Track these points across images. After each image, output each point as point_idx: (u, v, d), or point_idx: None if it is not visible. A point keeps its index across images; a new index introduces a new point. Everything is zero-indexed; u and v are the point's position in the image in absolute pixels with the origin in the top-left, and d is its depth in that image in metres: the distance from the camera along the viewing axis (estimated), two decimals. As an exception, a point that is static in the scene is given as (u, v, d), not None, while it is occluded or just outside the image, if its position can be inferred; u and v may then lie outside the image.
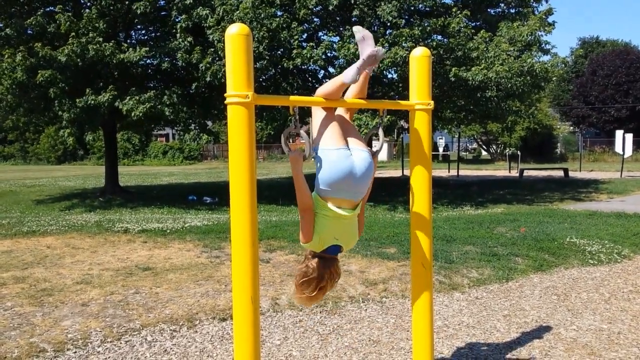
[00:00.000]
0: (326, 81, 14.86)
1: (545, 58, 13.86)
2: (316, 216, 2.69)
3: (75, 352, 3.95)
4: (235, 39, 2.35)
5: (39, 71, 11.48)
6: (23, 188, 18.89)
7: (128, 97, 11.82)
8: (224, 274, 5.92)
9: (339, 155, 2.65)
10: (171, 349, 4.05)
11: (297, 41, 12.03)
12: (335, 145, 2.67)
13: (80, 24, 11.69)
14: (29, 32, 12.66)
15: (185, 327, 4.46)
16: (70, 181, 22.44)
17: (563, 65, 13.67)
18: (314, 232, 2.69)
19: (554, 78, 13.64)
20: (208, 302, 5.00)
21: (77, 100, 11.84)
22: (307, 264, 2.77)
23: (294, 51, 11.87)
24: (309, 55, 11.82)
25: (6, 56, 11.71)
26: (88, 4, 13.18)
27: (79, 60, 11.50)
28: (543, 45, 13.67)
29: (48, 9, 13.23)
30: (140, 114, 11.70)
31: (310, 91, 14.46)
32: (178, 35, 11.99)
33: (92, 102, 11.73)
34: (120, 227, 9.16)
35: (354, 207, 2.75)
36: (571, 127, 43.98)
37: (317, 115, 2.81)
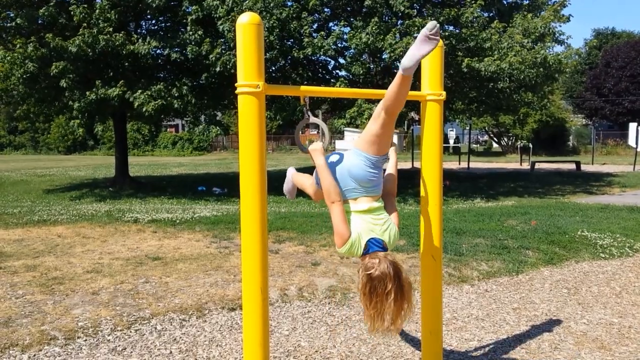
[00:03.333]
0: (336, 73, 14.70)
1: (559, 49, 13.71)
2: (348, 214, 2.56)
3: (86, 340, 3.98)
4: (247, 29, 2.33)
5: (53, 63, 11.52)
6: (34, 177, 19.05)
7: (139, 91, 11.83)
8: (233, 264, 5.94)
9: (332, 160, 2.68)
10: (180, 338, 4.07)
11: (307, 31, 11.98)
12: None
13: (93, 15, 11.70)
14: (40, 22, 12.69)
15: (195, 317, 4.48)
16: (81, 171, 22.60)
17: (577, 56, 13.50)
18: (352, 228, 2.48)
19: (567, 70, 13.48)
20: (217, 292, 5.02)
21: (87, 92, 11.89)
22: (369, 264, 2.39)
23: (305, 40, 11.82)
24: (319, 45, 11.76)
25: (17, 46, 11.75)
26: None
27: (89, 50, 11.53)
28: (557, 35, 13.50)
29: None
30: (152, 110, 11.72)
31: (320, 82, 14.41)
32: (189, 27, 11.97)
33: (102, 95, 11.77)
34: (130, 217, 9.22)
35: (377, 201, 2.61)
36: (584, 120, 43.54)
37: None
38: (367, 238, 2.48)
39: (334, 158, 2.71)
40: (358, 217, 2.55)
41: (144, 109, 11.77)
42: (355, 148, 2.65)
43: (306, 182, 3.06)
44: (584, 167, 22.54)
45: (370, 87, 12.78)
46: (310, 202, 11.49)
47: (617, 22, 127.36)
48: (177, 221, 8.74)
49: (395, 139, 2.89)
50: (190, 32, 11.86)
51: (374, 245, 2.47)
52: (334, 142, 39.14)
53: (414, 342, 4.00)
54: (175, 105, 12.13)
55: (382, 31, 11.79)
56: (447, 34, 12.19)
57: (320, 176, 2.56)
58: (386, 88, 2.59)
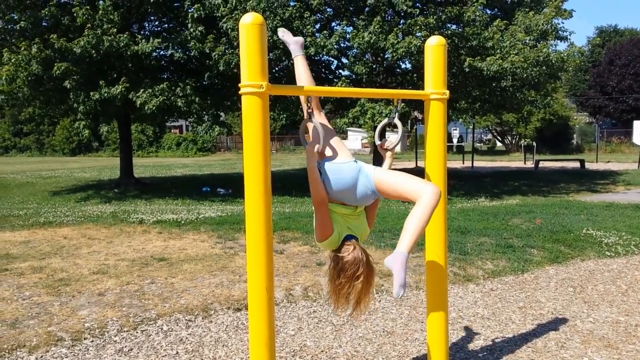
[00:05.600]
0: (339, 73, 14.63)
1: (562, 46, 13.70)
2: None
3: (92, 341, 3.99)
4: (250, 29, 2.33)
5: (55, 64, 11.57)
6: (39, 179, 19.12)
7: (142, 90, 11.88)
8: (238, 265, 5.95)
9: (349, 167, 2.67)
10: (187, 338, 4.08)
11: (310, 30, 11.98)
12: (346, 158, 2.72)
13: (96, 16, 11.75)
14: (44, 24, 12.75)
15: (201, 317, 4.49)
16: (86, 173, 22.67)
17: (580, 54, 13.48)
18: (334, 225, 2.65)
19: (570, 68, 13.46)
20: (223, 293, 5.03)
21: (92, 93, 11.93)
22: (343, 248, 2.59)
23: (308, 39, 11.83)
24: (322, 45, 11.77)
25: (22, 48, 11.80)
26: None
27: (93, 52, 11.57)
28: (560, 32, 13.47)
29: (63, 0, 13.30)
30: (154, 107, 11.75)
31: (323, 82, 14.41)
32: (190, 25, 12.00)
33: (106, 94, 11.81)
34: (136, 218, 9.24)
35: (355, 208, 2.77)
36: (588, 118, 43.40)
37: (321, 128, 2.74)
38: (344, 234, 2.67)
39: (348, 169, 2.66)
40: (339, 216, 2.70)
41: (146, 107, 11.80)
42: (370, 177, 2.64)
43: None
44: (588, 165, 22.47)
45: (374, 86, 12.78)
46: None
47: (620, 20, 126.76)
48: (182, 222, 8.76)
49: (397, 138, 2.95)
50: (192, 30, 11.88)
51: (346, 238, 2.68)
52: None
53: (420, 342, 4.00)
54: (179, 104, 12.15)
55: (385, 30, 11.78)
56: (449, 32, 12.17)
57: (310, 177, 2.62)
58: (389, 87, 2.62)
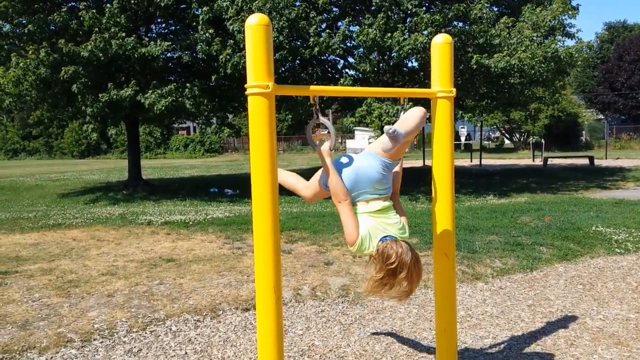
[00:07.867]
0: (346, 72, 14.64)
1: (570, 43, 13.62)
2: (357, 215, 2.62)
3: (102, 342, 4.02)
4: (255, 30, 2.34)
5: (62, 68, 11.63)
6: (48, 182, 19.25)
7: (150, 91, 11.92)
8: (246, 265, 5.96)
9: (341, 161, 2.77)
10: (195, 338, 4.10)
11: (314, 30, 11.99)
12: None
13: (103, 20, 11.80)
14: (52, 28, 12.82)
15: (209, 317, 4.50)
16: (94, 175, 22.80)
17: (588, 49, 13.38)
18: (361, 227, 2.56)
19: (579, 62, 13.37)
20: (231, 293, 5.04)
21: (100, 95, 11.99)
22: (389, 245, 2.51)
23: (311, 39, 11.83)
24: (326, 44, 11.76)
25: (30, 52, 11.86)
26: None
27: (101, 55, 11.62)
28: (567, 28, 13.38)
29: (70, 5, 13.38)
30: (163, 108, 11.78)
31: (330, 81, 14.41)
32: (200, 27, 12.02)
33: (115, 97, 11.86)
34: (144, 219, 9.28)
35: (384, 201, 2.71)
36: (597, 114, 43.10)
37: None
38: (380, 237, 2.57)
39: (344, 160, 2.77)
40: (370, 217, 2.62)
41: (155, 108, 11.83)
42: (372, 152, 2.76)
43: (296, 184, 3.11)
44: (597, 162, 22.31)
45: (380, 85, 12.76)
46: (322, 202, 11.49)
47: (629, 15, 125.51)
48: (190, 223, 8.79)
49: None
50: (202, 32, 11.91)
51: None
52: (345, 142, 39.19)
53: (429, 340, 3.99)
54: (188, 105, 12.18)
55: (389, 28, 11.76)
56: (456, 30, 12.13)
57: (329, 176, 2.61)
58: (395, 86, 2.63)
